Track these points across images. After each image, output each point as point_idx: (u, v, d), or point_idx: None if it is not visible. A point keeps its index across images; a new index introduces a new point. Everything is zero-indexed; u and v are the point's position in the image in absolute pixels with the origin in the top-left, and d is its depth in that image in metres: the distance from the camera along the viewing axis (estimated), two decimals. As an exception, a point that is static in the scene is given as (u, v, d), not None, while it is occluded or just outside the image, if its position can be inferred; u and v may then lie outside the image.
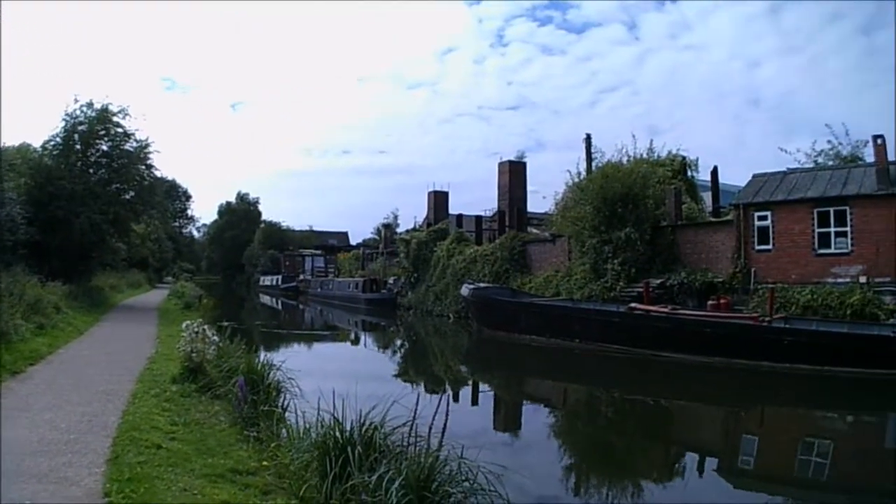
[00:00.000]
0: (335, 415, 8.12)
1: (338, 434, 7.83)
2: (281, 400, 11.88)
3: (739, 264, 29.15)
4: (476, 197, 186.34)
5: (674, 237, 32.43)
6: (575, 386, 24.23)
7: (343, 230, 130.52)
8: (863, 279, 26.05)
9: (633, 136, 46.82)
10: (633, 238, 31.11)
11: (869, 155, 31.98)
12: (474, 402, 21.21)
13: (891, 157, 27.48)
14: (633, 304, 27.54)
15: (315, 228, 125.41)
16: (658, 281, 29.98)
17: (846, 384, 20.55)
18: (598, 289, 31.75)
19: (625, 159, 35.72)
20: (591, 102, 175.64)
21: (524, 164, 49.35)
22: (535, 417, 19.25)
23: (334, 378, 12.11)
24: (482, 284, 37.93)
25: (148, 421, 10.22)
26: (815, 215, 27.73)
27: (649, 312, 26.47)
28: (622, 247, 31.26)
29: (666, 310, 26.55)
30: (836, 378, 20.78)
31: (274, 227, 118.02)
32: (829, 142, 37.47)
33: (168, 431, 9.82)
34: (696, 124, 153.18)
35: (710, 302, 27.66)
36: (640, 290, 29.06)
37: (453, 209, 61.81)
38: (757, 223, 29.21)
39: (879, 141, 27.42)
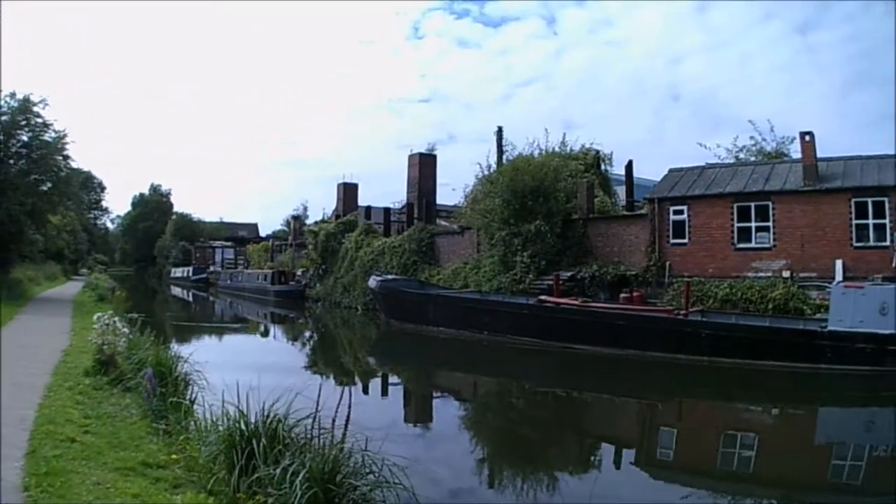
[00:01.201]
0: (240, 407, 7.78)
1: (243, 426, 7.52)
2: (189, 392, 11.56)
3: (653, 258, 28.28)
4: (388, 189, 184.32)
5: (585, 230, 31.24)
6: (485, 378, 23.21)
7: (253, 222, 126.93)
8: (786, 274, 25.53)
9: (546, 130, 46.62)
10: (542, 231, 29.94)
11: (795, 151, 31.68)
12: (384, 393, 20.49)
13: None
14: (542, 297, 26.62)
15: (225, 220, 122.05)
16: (569, 274, 28.87)
17: (769, 378, 19.90)
18: (507, 281, 30.41)
19: (536, 152, 34.65)
20: (506, 96, 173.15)
21: (434, 157, 47.96)
22: (446, 409, 18.40)
23: (242, 370, 11.02)
24: (390, 276, 36.71)
25: (63, 414, 9.71)
26: (735, 210, 27.16)
27: (560, 305, 25.54)
28: (532, 239, 30.04)
29: (577, 302, 25.60)
30: (759, 372, 20.15)
31: (185, 219, 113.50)
32: (751, 138, 37.25)
33: (82, 425, 9.29)
34: (614, 119, 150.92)
35: (622, 295, 26.99)
36: (550, 282, 27.90)
37: (365, 201, 59.97)
38: (672, 217, 28.41)
39: (808, 138, 26.82)
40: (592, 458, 13.47)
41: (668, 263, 28.01)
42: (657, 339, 22.46)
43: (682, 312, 23.39)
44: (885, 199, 24.80)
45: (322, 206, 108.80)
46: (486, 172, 34.65)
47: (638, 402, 19.05)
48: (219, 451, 7.58)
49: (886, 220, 24.67)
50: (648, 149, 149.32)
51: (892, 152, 26.96)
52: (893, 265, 24.14)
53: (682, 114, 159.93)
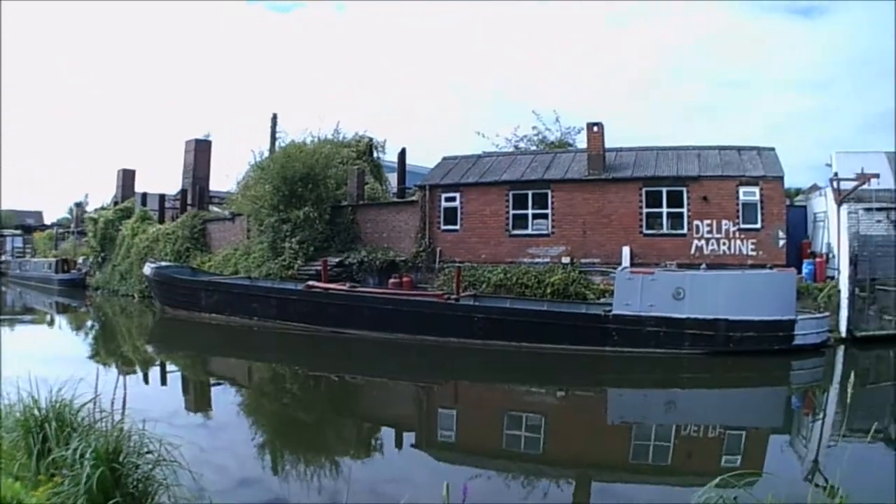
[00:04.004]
0: (32, 395, 7.33)
1: (36, 412, 7.24)
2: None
3: (423, 243, 26.93)
4: (171, 176, 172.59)
5: (354, 217, 29.50)
6: (258, 364, 21.72)
7: (39, 209, 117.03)
8: (566, 260, 24.82)
9: (320, 118, 44.07)
10: (311, 217, 28.08)
11: (581, 142, 30.78)
12: (163, 382, 18.84)
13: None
14: (310, 283, 24.71)
15: (14, 208, 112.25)
16: (337, 259, 27.04)
17: (551, 361, 19.28)
18: (276, 267, 28.20)
19: (309, 139, 32.62)
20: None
21: (209, 143, 44.32)
22: (225, 397, 17.22)
23: (31, 361, 10.63)
24: (164, 263, 33.44)
25: None
26: (511, 197, 26.23)
27: (328, 290, 23.81)
28: (300, 226, 28.10)
29: (345, 287, 23.96)
30: (538, 354, 19.47)
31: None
32: (534, 128, 36.20)
33: None
34: (395, 106, 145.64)
35: (391, 280, 25.65)
36: (319, 268, 25.93)
37: (148, 188, 54.25)
38: (444, 204, 27.20)
39: (596, 128, 26.03)
40: (373, 441, 12.78)
41: (438, 249, 26.82)
42: (428, 323, 21.38)
43: (453, 297, 22.14)
44: (684, 189, 24.47)
45: (108, 193, 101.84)
46: (258, 159, 32.35)
47: (413, 385, 18.32)
48: (19, 437, 7.29)
49: (684, 210, 24.36)
50: (430, 138, 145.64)
51: (696, 144, 27.06)
52: (691, 252, 23.99)
53: (466, 103, 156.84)
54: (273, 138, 35.34)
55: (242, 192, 32.33)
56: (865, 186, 22.96)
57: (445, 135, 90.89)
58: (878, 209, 25.26)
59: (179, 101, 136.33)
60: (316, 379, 18.94)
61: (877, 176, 22.74)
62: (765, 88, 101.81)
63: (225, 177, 78.23)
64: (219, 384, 19.03)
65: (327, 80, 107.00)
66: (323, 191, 29.08)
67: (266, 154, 32.65)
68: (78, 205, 74.77)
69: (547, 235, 25.52)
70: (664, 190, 24.63)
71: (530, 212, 25.86)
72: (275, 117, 36.33)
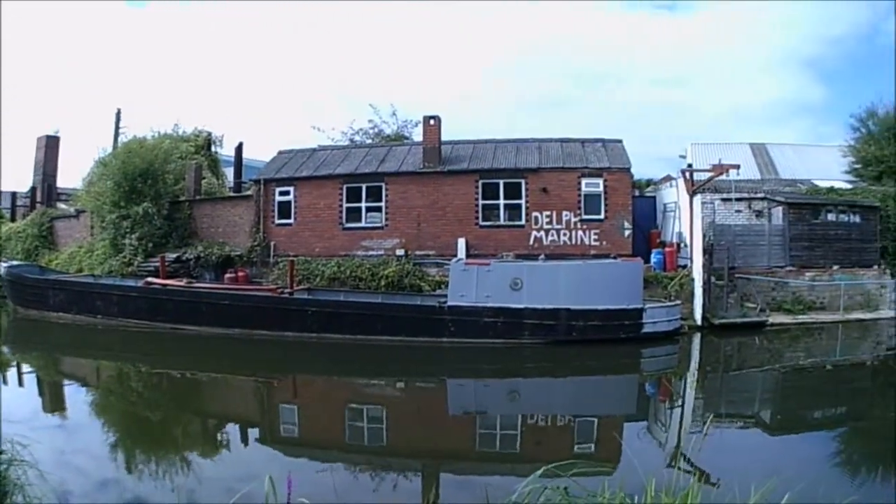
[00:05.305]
0: None
1: None
2: None
3: (258, 238, 26.55)
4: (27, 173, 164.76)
5: (191, 212, 28.87)
6: (105, 363, 20.76)
7: None
8: (400, 252, 24.82)
9: (164, 113, 42.92)
10: (150, 213, 27.28)
11: (419, 135, 30.51)
12: (20, 384, 17.76)
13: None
14: (149, 279, 24.16)
15: None
16: (175, 255, 26.52)
17: (388, 353, 19.19)
18: (117, 264, 27.47)
19: (150, 135, 31.93)
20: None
21: (58, 139, 42.21)
22: (78, 396, 16.35)
23: None
24: (15, 262, 31.95)
25: None
26: (345, 191, 26.01)
27: (166, 286, 23.22)
28: (140, 222, 27.25)
29: (182, 283, 23.41)
30: (376, 347, 19.39)
31: None
32: (370, 121, 36.44)
33: None
34: (236, 101, 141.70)
35: (227, 275, 25.19)
36: (158, 264, 25.40)
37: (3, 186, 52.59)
38: (278, 198, 26.81)
39: (433, 122, 26.01)
40: (220, 437, 12.45)
41: (272, 243, 26.46)
42: (263, 318, 20.81)
43: (287, 291, 22.04)
44: (522, 181, 24.66)
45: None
46: (102, 155, 31.44)
47: (253, 381, 17.64)
48: None
49: (522, 202, 24.55)
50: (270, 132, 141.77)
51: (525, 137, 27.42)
52: (530, 243, 24.13)
53: (304, 96, 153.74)
54: (116, 134, 34.43)
55: (87, 189, 31.43)
56: (724, 177, 23.32)
57: (285, 129, 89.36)
58: (738, 199, 26.41)
59: (34, 97, 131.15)
60: (159, 376, 18.36)
61: (736, 167, 23.07)
62: (626, 82, 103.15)
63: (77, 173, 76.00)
64: (72, 384, 18.37)
65: (174, 75, 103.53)
66: (162, 186, 28.41)
67: (110, 150, 31.75)
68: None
69: (381, 228, 25.51)
70: (501, 182, 24.83)
71: (364, 205, 25.81)
72: (118, 113, 35.30)
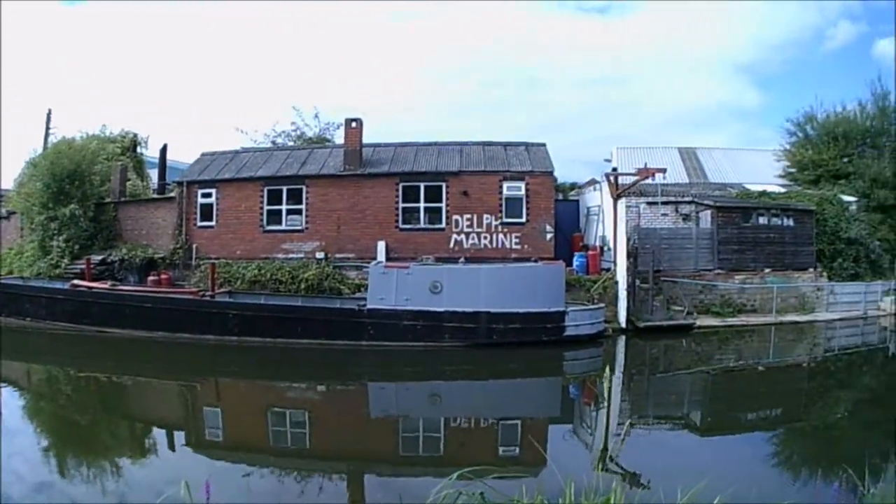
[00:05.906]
0: None
1: None
2: None
3: (180, 240, 26.39)
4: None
5: (116, 214, 28.60)
6: (35, 366, 20.52)
7: None
8: (320, 255, 24.84)
9: (94, 114, 42.40)
10: (76, 215, 27.03)
11: (340, 138, 30.44)
12: None
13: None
14: (75, 282, 23.90)
15: None
16: (100, 257, 26.30)
17: (308, 356, 19.22)
18: (45, 266, 27.15)
19: (78, 136, 31.74)
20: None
21: (-1, 141, 42.17)
22: (12, 401, 15.98)
23: None
24: None
25: None
26: (266, 193, 25.88)
27: (91, 289, 23.01)
28: (67, 223, 26.99)
29: (106, 286, 23.24)
30: (297, 350, 19.32)
31: None
32: (292, 123, 36.37)
33: None
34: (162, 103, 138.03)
35: (150, 278, 25.09)
36: (84, 266, 25.24)
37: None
38: (200, 200, 26.58)
39: (354, 124, 26.04)
40: (146, 441, 12.38)
41: (195, 246, 26.24)
42: (185, 321, 20.70)
43: (209, 294, 21.80)
44: (443, 184, 24.66)
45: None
46: (32, 156, 31.14)
47: (176, 384, 17.60)
48: None
49: (442, 205, 24.55)
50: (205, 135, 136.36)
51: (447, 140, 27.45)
52: (451, 246, 24.16)
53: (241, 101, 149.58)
54: (47, 135, 34.08)
55: (17, 190, 31.10)
56: (650, 181, 23.30)
57: (211, 132, 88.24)
58: (665, 203, 26.47)
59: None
60: (86, 380, 18.30)
61: (663, 171, 22.76)
62: (558, 85, 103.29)
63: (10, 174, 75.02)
64: (7, 388, 17.90)
65: (103, 76, 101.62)
66: (88, 188, 28.17)
67: (40, 151, 31.48)
68: None
69: (301, 231, 25.47)
70: (422, 185, 24.80)
71: (284, 207, 25.72)
72: (49, 113, 35.00)
